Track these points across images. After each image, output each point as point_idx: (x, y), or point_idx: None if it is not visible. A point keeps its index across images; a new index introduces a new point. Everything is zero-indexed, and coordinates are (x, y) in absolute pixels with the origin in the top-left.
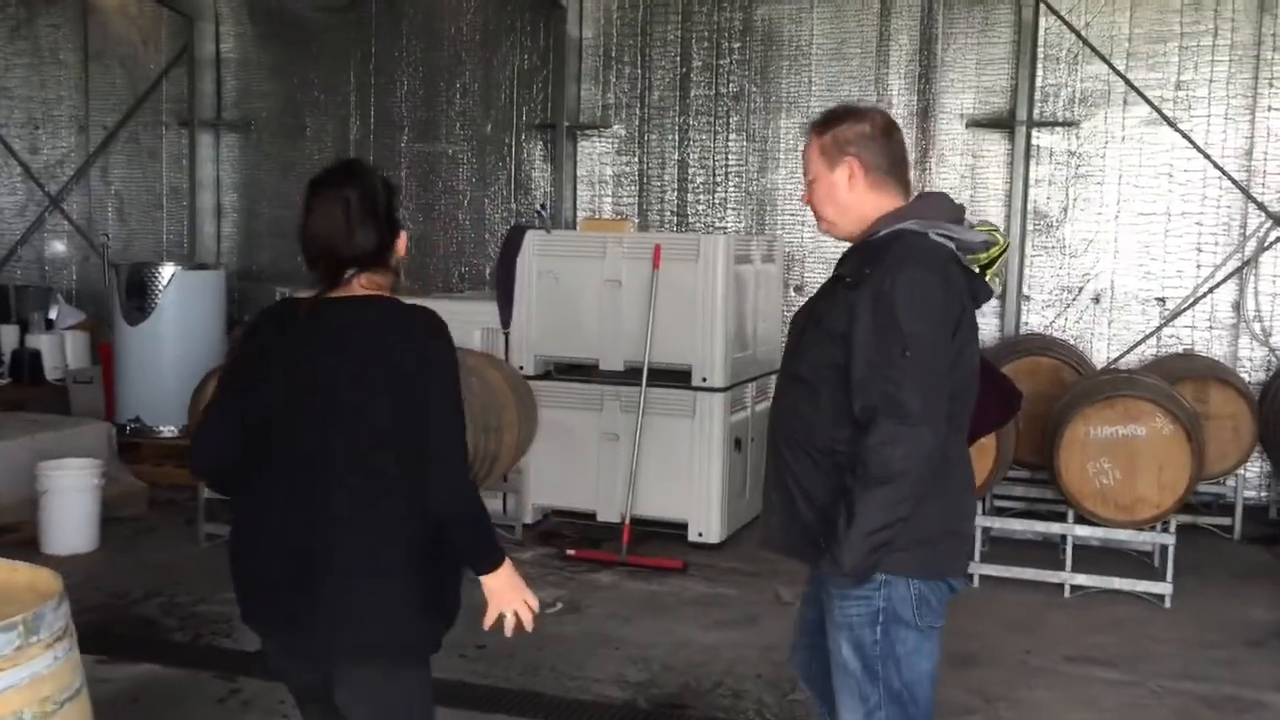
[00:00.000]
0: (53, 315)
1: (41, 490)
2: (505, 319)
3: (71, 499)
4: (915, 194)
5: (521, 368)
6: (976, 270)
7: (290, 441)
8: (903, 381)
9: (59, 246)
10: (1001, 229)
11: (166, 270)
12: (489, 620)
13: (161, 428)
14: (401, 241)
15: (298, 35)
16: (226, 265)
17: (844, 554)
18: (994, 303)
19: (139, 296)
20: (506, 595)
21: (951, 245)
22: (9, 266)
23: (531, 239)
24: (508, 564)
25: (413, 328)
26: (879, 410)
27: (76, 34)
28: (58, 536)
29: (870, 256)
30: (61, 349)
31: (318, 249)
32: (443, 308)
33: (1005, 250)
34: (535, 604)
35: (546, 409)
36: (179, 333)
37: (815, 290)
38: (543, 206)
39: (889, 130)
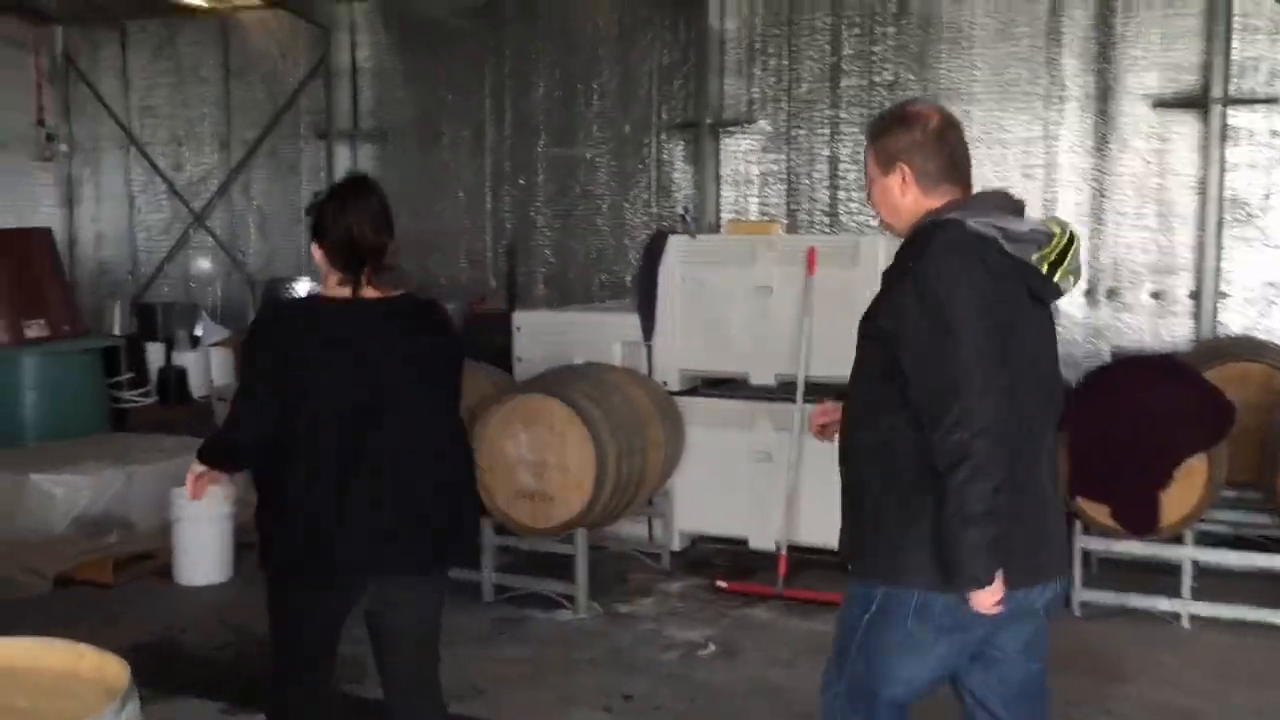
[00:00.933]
0: (198, 332)
1: (174, 518)
2: (647, 330)
3: (203, 528)
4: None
5: (665, 383)
6: (1045, 269)
7: (361, 421)
8: (955, 364)
9: (203, 263)
10: (1069, 224)
11: (302, 285)
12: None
13: None
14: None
15: (432, 41)
16: None
17: (963, 563)
18: (1185, 302)
19: None
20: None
21: (995, 234)
22: (155, 284)
23: (674, 244)
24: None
25: (445, 322)
26: (940, 398)
27: (217, 51)
28: (189, 566)
29: (910, 248)
30: (206, 366)
31: (351, 249)
32: (581, 319)
33: (1071, 244)
34: None
35: (693, 427)
36: None
37: None
38: (685, 209)
39: (941, 133)
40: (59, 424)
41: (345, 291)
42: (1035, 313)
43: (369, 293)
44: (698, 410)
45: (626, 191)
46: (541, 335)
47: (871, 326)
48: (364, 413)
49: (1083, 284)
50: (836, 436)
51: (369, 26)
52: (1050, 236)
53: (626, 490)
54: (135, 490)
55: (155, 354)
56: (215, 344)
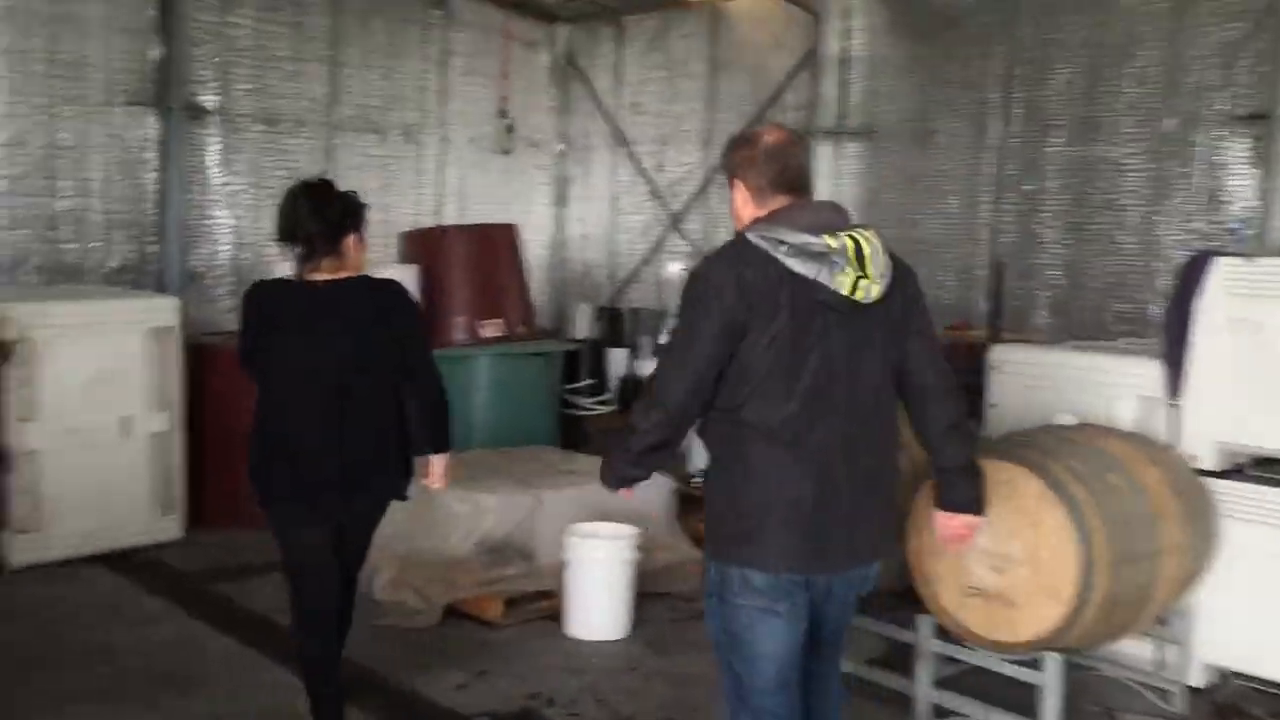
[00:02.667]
0: (662, 339)
1: (566, 558)
2: (1174, 384)
3: (595, 573)
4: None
5: (1195, 459)
6: (851, 275)
7: (333, 375)
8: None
9: (674, 267)
10: (864, 234)
11: None
12: (431, 481)
13: None
14: (350, 240)
15: (934, 23)
16: None
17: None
18: None
19: None
20: (442, 476)
21: (767, 246)
22: (627, 288)
23: (1222, 270)
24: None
25: (393, 290)
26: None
27: (706, 44)
28: (580, 617)
29: None
30: None
31: (308, 237)
32: (1081, 362)
33: (861, 255)
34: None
35: (1232, 524)
36: None
37: None
38: (1239, 225)
39: (773, 151)
40: (508, 428)
41: (324, 274)
42: (837, 317)
43: (322, 276)
44: (1241, 501)
45: (1161, 201)
46: (1026, 377)
47: None
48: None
49: None
50: None
51: (864, 9)
52: (834, 251)
53: (1123, 608)
54: (542, 517)
55: (618, 360)
56: None
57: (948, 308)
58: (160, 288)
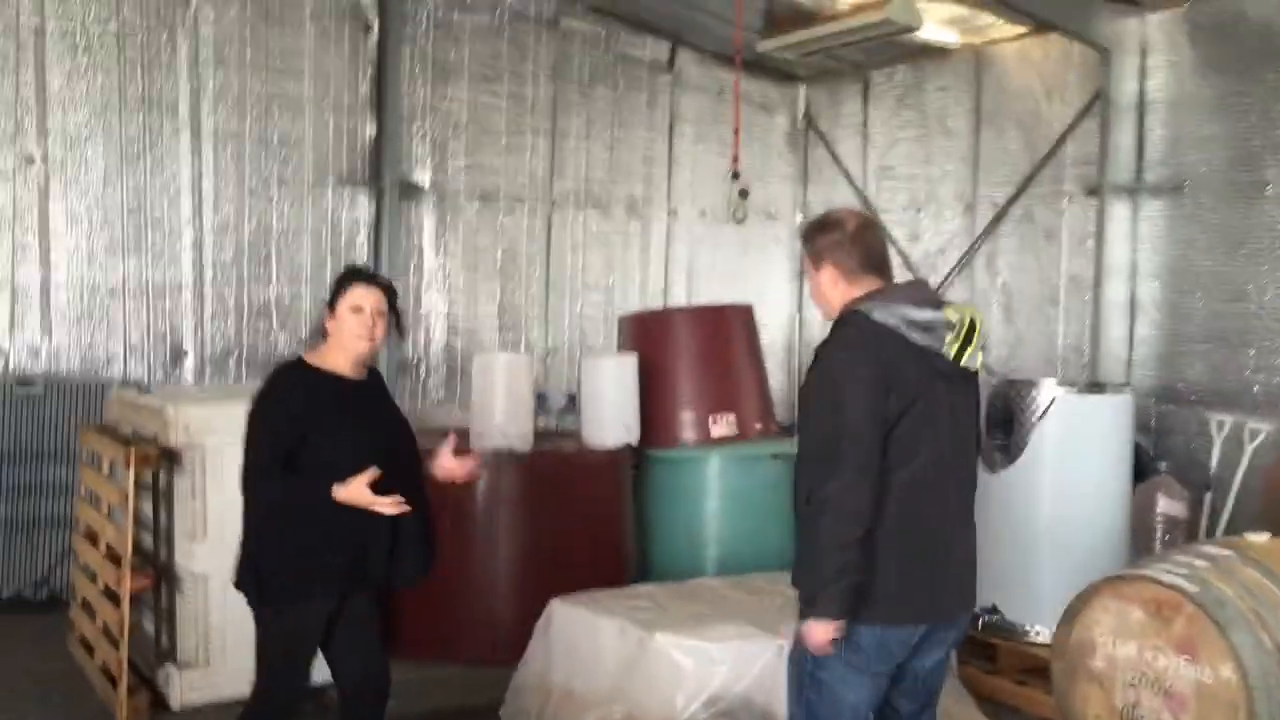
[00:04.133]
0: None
1: None
2: None
3: None
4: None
5: None
6: (955, 348)
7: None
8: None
9: None
10: (971, 310)
11: (1045, 392)
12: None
13: (1030, 626)
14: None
15: (1259, 56)
16: (1137, 384)
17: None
18: None
19: (1004, 430)
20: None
21: (897, 323)
22: None
23: None
24: None
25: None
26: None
27: (968, 95)
28: None
29: (830, 334)
30: None
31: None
32: None
33: (973, 328)
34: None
35: None
36: (1060, 482)
37: None
38: None
39: (859, 233)
40: (743, 546)
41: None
42: (947, 385)
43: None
44: None
45: None
46: None
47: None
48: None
49: None
50: None
51: (1167, 43)
52: (951, 325)
53: None
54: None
55: None
56: None
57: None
58: None
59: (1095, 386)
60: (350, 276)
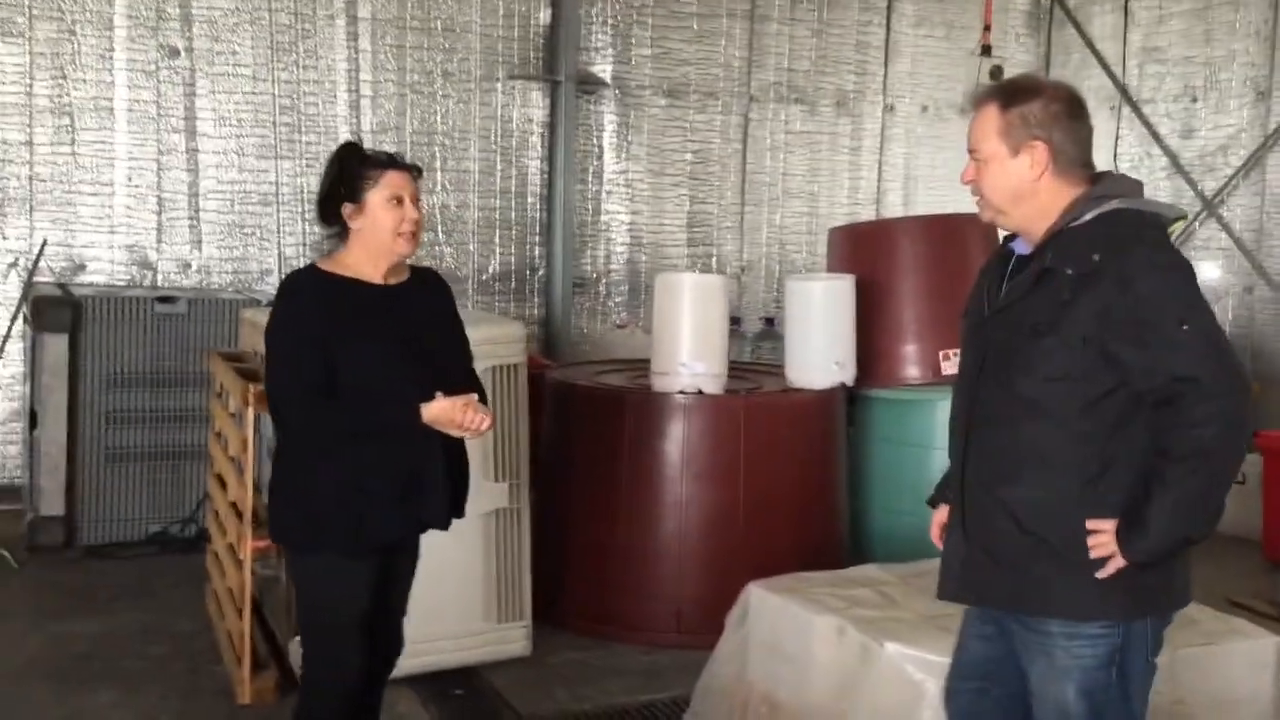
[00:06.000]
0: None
1: None
2: None
3: None
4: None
5: None
6: None
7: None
8: (1195, 355)
9: (1209, 270)
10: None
11: None
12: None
13: None
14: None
15: None
16: None
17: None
18: None
19: None
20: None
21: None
22: None
23: None
24: None
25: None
26: (1176, 391)
27: None
28: None
29: (1090, 242)
30: None
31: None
32: None
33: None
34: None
35: None
36: None
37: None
38: None
39: (1079, 108)
40: None
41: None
42: None
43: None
44: None
45: None
46: None
47: (1051, 341)
48: None
49: None
50: None
51: None
52: (1179, 217)
53: None
54: None
55: None
56: None
57: None
58: (546, 300)
59: None
60: (372, 159)
